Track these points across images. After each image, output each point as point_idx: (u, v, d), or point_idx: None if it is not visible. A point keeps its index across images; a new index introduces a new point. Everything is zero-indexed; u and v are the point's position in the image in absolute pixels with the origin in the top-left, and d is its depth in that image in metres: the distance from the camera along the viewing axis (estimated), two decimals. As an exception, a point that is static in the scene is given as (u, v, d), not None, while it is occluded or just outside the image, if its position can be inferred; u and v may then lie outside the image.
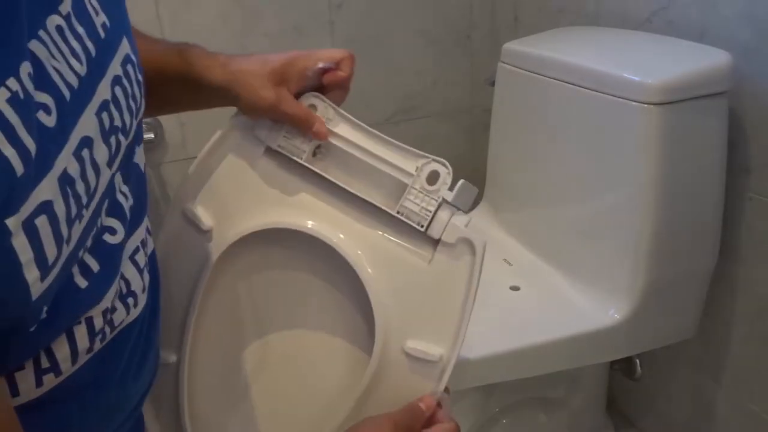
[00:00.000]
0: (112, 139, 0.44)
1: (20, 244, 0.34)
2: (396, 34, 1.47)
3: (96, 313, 0.44)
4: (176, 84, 0.67)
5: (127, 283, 0.48)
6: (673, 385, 1.26)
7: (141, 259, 0.51)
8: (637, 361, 1.22)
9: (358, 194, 0.68)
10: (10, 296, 0.34)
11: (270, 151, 0.70)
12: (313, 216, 0.70)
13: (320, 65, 0.66)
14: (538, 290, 1.10)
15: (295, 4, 1.37)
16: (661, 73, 0.93)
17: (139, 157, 0.53)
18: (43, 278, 0.36)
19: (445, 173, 0.65)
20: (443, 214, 0.65)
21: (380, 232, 0.69)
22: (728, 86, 0.95)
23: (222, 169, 0.70)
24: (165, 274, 0.69)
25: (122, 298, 0.47)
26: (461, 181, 0.65)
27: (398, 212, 0.66)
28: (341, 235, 0.69)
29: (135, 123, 0.50)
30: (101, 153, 0.42)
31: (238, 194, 0.70)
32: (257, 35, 1.37)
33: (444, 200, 0.65)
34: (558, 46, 1.13)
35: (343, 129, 0.69)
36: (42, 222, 0.35)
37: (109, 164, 0.44)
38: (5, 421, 0.36)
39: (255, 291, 0.75)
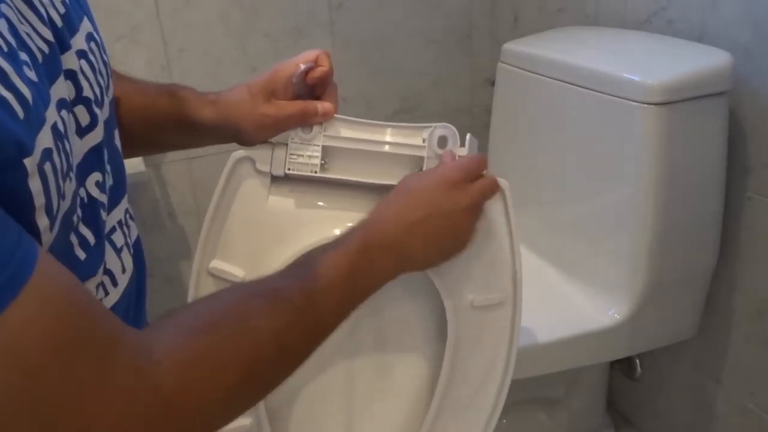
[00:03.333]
0: (79, 109, 0.45)
1: (35, 187, 0.35)
2: (396, 34, 1.47)
3: (91, 287, 0.45)
4: (168, 126, 0.68)
5: (104, 262, 0.49)
6: (673, 385, 1.26)
7: (118, 239, 0.52)
8: (637, 361, 1.22)
9: (380, 183, 0.69)
10: None
11: (277, 180, 0.70)
12: (345, 222, 0.69)
13: (302, 67, 0.67)
14: (538, 290, 1.10)
15: (295, 4, 1.37)
16: (661, 73, 0.93)
17: (118, 140, 0.55)
18: (51, 227, 0.37)
19: (452, 134, 0.68)
20: None
21: None
22: (728, 86, 0.95)
23: (235, 215, 0.70)
24: None
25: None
26: (469, 135, 0.69)
27: None
28: None
29: (107, 100, 0.51)
30: (71, 120, 0.43)
31: (259, 233, 0.70)
32: (257, 35, 1.37)
33: (460, 157, 0.68)
34: (558, 46, 1.13)
35: (338, 130, 0.69)
36: (48, 169, 0.36)
37: (79, 133, 0.45)
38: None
39: None
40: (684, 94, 0.92)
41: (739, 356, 1.10)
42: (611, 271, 1.04)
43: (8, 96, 0.33)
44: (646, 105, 0.92)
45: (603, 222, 1.04)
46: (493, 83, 1.25)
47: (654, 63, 0.98)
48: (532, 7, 1.40)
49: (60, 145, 0.38)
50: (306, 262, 0.55)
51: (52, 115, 0.38)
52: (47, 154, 0.36)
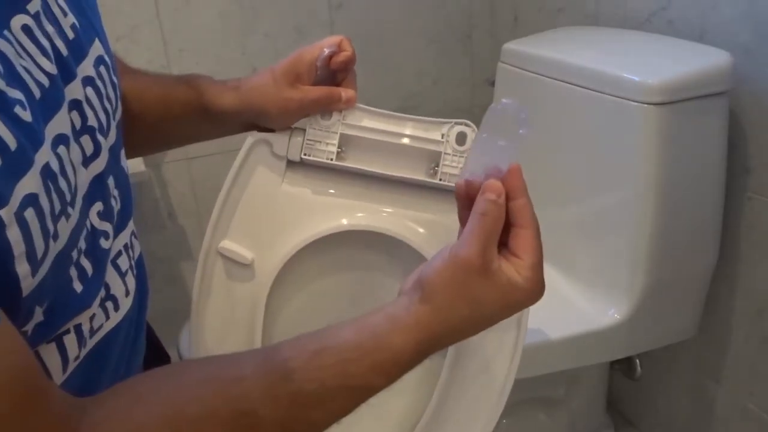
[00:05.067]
0: (85, 139, 0.44)
1: (14, 236, 0.34)
2: (396, 34, 1.47)
3: (84, 320, 0.44)
4: (187, 116, 0.67)
5: (107, 287, 0.47)
6: (673, 385, 1.26)
7: (123, 263, 0.51)
8: (637, 361, 1.22)
9: (396, 175, 0.68)
10: (1, 290, 0.34)
11: (292, 165, 0.69)
12: (357, 211, 0.69)
13: (326, 51, 0.66)
14: (538, 290, 1.10)
15: (295, 4, 1.37)
16: (661, 73, 0.93)
17: (125, 161, 0.53)
18: (33, 273, 0.36)
19: (471, 131, 0.67)
20: None
21: (428, 206, 0.69)
22: (728, 86, 0.95)
23: (248, 197, 0.69)
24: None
25: (101, 302, 0.46)
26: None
27: (440, 179, 0.67)
28: (392, 222, 0.69)
29: (113, 124, 0.50)
30: (75, 152, 0.42)
31: (272, 217, 0.69)
32: (257, 35, 1.37)
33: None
34: (558, 46, 1.13)
35: (358, 118, 0.69)
36: (30, 215, 0.35)
37: (84, 164, 0.44)
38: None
39: (317, 304, 0.74)
40: (684, 94, 0.92)
41: (739, 356, 1.10)
42: (611, 271, 1.04)
43: None
44: (645, 105, 0.92)
45: (603, 222, 1.04)
46: (493, 83, 1.25)
47: (654, 63, 0.98)
48: (532, 7, 1.40)
49: (51, 186, 0.37)
50: (318, 367, 0.43)
51: (43, 155, 0.37)
52: (30, 199, 0.35)
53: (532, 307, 0.70)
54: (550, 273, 1.13)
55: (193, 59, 1.34)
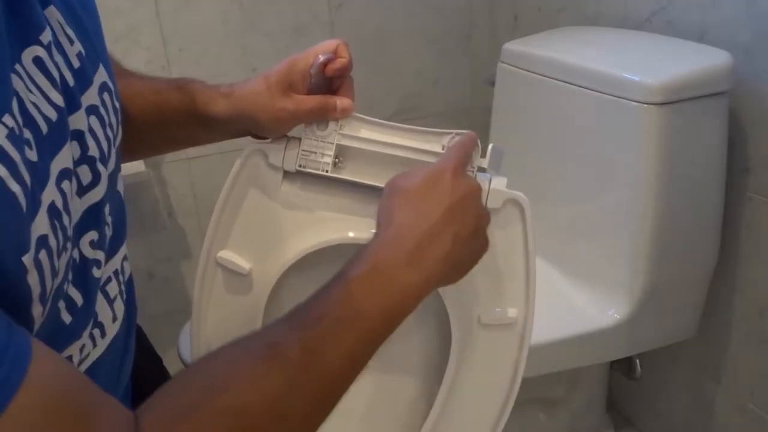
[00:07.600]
0: (82, 169, 0.43)
1: (33, 280, 0.33)
2: (396, 34, 1.47)
3: (74, 351, 0.43)
4: (180, 122, 0.66)
5: (95, 315, 0.46)
6: (673, 385, 1.26)
7: (112, 289, 0.49)
8: (637, 361, 1.22)
9: None
10: None
11: (289, 175, 0.68)
12: (354, 224, 0.68)
13: (321, 58, 0.64)
14: (538, 290, 1.10)
15: (295, 4, 1.37)
16: (661, 73, 0.93)
17: (120, 184, 0.52)
18: (43, 313, 0.35)
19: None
20: (483, 182, 0.63)
21: None
22: (728, 86, 0.95)
23: (245, 208, 0.68)
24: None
25: (89, 330, 0.45)
26: (491, 145, 0.65)
27: None
28: None
29: (113, 151, 0.49)
30: (73, 184, 0.41)
31: (269, 227, 0.69)
32: (257, 35, 1.37)
33: (479, 168, 0.64)
34: (558, 46, 1.13)
35: (355, 128, 0.67)
36: (43, 257, 0.34)
37: (79, 193, 0.43)
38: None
39: None
40: (684, 94, 0.92)
41: (739, 356, 1.10)
42: (611, 271, 1.04)
43: (17, 190, 0.32)
44: (646, 105, 0.92)
45: (603, 222, 1.04)
46: (493, 83, 1.25)
47: (654, 63, 0.98)
48: (532, 7, 1.40)
49: (57, 224, 0.36)
50: (307, 303, 0.47)
51: (49, 194, 0.36)
52: (42, 241, 0.34)
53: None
54: (550, 272, 1.13)
55: (193, 59, 1.34)
